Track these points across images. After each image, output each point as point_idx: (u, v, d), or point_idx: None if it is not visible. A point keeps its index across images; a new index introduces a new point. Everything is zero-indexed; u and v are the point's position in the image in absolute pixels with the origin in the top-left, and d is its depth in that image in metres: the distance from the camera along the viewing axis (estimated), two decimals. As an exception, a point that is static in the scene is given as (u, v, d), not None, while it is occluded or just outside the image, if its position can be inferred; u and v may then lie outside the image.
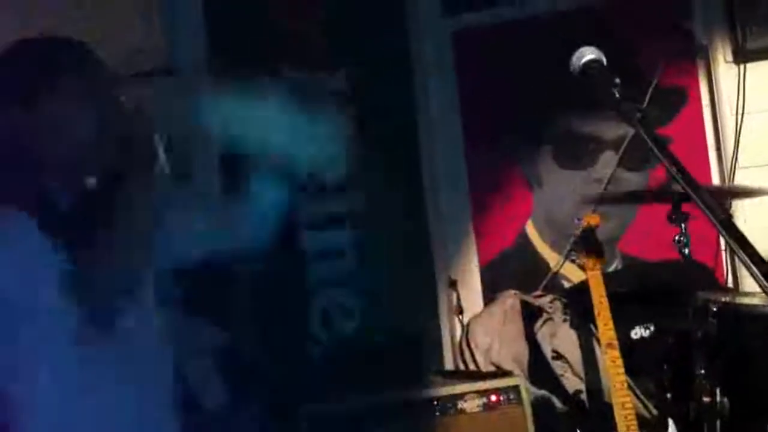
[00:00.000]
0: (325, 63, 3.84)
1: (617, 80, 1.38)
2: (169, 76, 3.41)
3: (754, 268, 1.16)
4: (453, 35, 4.02)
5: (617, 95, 1.38)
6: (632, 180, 3.84)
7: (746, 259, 1.14)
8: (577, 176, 3.91)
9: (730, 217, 1.20)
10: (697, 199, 1.21)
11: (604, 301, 2.92)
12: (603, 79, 1.41)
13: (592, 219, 3.07)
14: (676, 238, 2.92)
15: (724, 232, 1.22)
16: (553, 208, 3.95)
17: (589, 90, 1.46)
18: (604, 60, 1.44)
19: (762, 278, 1.14)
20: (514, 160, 3.97)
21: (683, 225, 2.94)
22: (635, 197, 3.61)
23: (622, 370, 2.89)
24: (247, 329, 3.35)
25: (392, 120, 3.90)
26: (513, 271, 3.98)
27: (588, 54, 1.45)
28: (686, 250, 2.88)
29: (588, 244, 3.00)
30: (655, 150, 1.32)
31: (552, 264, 3.93)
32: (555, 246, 3.95)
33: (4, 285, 1.59)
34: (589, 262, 2.98)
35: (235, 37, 3.67)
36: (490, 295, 3.93)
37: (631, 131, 3.57)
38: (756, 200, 3.43)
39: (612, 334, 2.87)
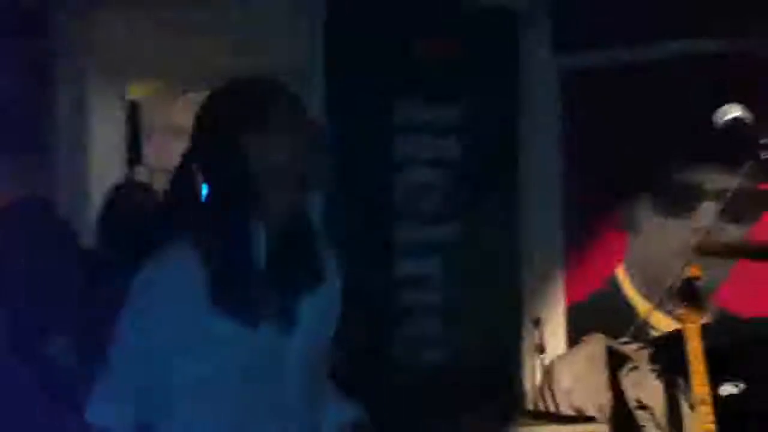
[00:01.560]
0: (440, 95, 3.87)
1: (765, 141, 1.36)
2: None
3: None
4: (561, 74, 4.02)
5: (762, 156, 1.36)
6: (732, 232, 3.76)
7: None
8: (674, 224, 3.85)
9: None
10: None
11: (700, 355, 2.87)
12: (747, 137, 1.40)
13: (694, 270, 3.01)
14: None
15: None
16: (647, 254, 3.90)
17: (726, 145, 1.44)
18: (749, 118, 1.42)
19: None
20: (612, 204, 3.93)
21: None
22: (738, 252, 3.53)
23: (712, 427, 2.83)
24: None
25: (495, 155, 3.91)
26: (599, 315, 3.93)
27: (733, 111, 1.44)
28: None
29: (689, 296, 2.95)
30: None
31: (641, 311, 3.87)
32: (645, 293, 3.89)
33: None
34: (688, 315, 2.93)
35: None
36: (573, 337, 3.89)
37: (733, 183, 3.51)
38: None
39: (706, 389, 2.83)
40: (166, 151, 6.30)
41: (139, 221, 2.76)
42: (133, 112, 4.63)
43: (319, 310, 1.69)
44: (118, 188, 3.10)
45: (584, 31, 3.93)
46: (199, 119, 1.73)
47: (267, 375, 1.65)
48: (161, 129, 6.11)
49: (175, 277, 1.62)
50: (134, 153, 4.85)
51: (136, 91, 4.58)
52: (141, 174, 5.54)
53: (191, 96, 5.99)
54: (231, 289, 1.60)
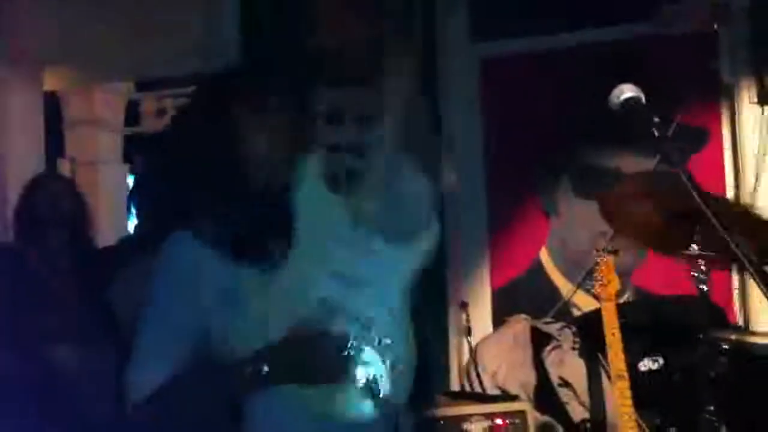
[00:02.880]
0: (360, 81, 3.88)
1: (657, 119, 1.41)
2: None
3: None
4: (481, 61, 4.08)
5: (656, 133, 1.41)
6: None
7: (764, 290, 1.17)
8: (594, 207, 3.94)
9: (764, 263, 1.22)
10: (733, 246, 1.24)
11: (617, 332, 2.94)
12: (642, 117, 1.44)
13: (610, 251, 3.09)
14: (695, 274, 2.94)
15: (750, 268, 1.26)
16: (568, 237, 3.98)
17: (624, 125, 1.49)
18: (644, 98, 1.47)
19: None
20: (534, 188, 4.00)
21: (702, 262, 2.96)
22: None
23: (630, 401, 2.91)
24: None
25: (416, 141, 3.92)
26: (524, 297, 4.00)
27: (628, 91, 1.48)
28: (704, 287, 2.89)
29: (605, 276, 3.03)
30: (695, 193, 1.34)
31: (564, 292, 3.96)
32: (568, 274, 3.97)
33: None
34: (604, 294, 3.01)
35: (270, 50, 3.71)
36: (500, 319, 3.96)
37: (651, 166, 3.61)
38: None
39: (622, 365, 2.90)
40: (88, 144, 6.23)
41: (58, 214, 2.72)
42: (53, 104, 4.55)
43: None
44: (36, 180, 3.04)
45: (501, 19, 4.00)
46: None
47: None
48: (82, 121, 6.04)
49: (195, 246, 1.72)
50: (55, 145, 4.76)
51: (54, 82, 4.50)
52: (62, 167, 5.47)
53: (111, 86, 5.95)
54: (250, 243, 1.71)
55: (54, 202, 2.75)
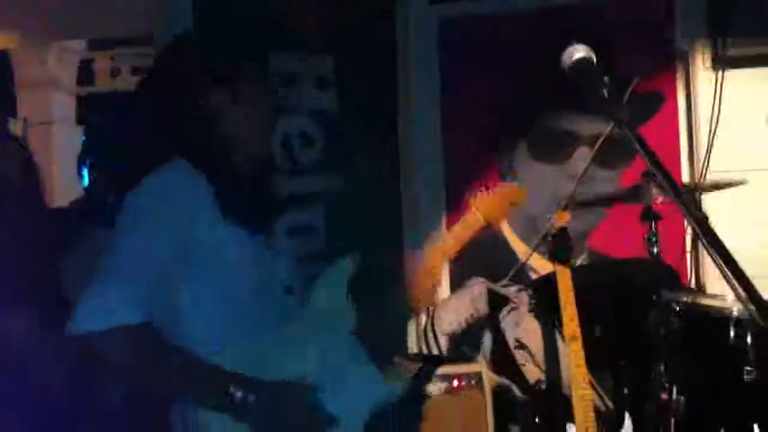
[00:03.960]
0: (314, 46, 3.84)
1: (606, 79, 1.41)
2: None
3: (724, 266, 1.21)
4: (439, 23, 4.06)
5: (606, 94, 1.41)
6: (605, 178, 3.90)
7: (719, 259, 1.19)
8: (551, 170, 3.97)
9: (706, 217, 1.24)
10: (677, 199, 1.25)
11: (571, 295, 2.96)
12: (592, 77, 1.44)
13: (563, 216, 3.11)
14: (646, 236, 2.98)
15: (698, 230, 1.27)
16: (525, 200, 4.00)
17: (576, 87, 1.49)
18: (595, 59, 1.47)
19: (733, 278, 1.18)
20: (491, 151, 4.01)
21: (653, 224, 3.00)
22: (608, 200, 3.67)
23: (583, 362, 2.93)
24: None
25: (374, 104, 3.92)
26: (482, 260, 4.02)
27: (579, 52, 1.48)
28: (655, 249, 2.93)
29: (558, 240, 3.05)
30: (641, 150, 1.35)
31: (521, 255, 3.98)
32: (525, 237, 4.00)
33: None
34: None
35: (223, 15, 3.65)
36: (458, 283, 3.98)
37: (607, 129, 3.64)
38: (726, 202, 3.50)
39: (576, 327, 2.92)
40: (41, 104, 6.12)
41: (8, 176, 2.67)
42: (4, 64, 4.44)
43: None
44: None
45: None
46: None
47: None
48: (35, 81, 5.92)
49: (184, 188, 1.67)
50: (6, 106, 4.67)
51: (5, 41, 4.39)
52: (14, 128, 5.36)
53: (64, 45, 5.83)
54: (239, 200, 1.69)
55: (3, 164, 2.69)
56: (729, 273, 1.20)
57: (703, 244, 1.27)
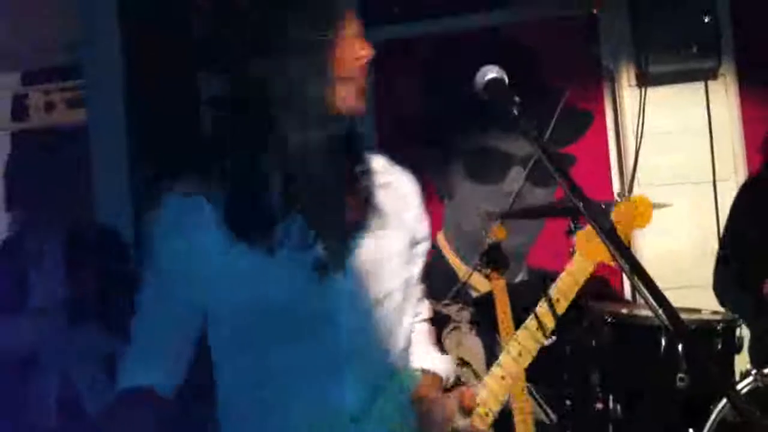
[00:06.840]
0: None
1: (517, 99, 1.45)
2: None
3: (629, 272, 1.25)
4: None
5: (516, 113, 1.46)
6: (539, 195, 3.98)
7: (624, 263, 1.24)
8: (486, 190, 4.04)
9: (613, 227, 1.28)
10: (582, 208, 1.30)
11: (508, 310, 3.02)
12: (503, 97, 1.48)
13: (498, 233, 3.16)
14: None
15: (606, 240, 1.32)
16: (463, 220, 4.06)
17: (491, 107, 1.53)
18: (506, 79, 1.51)
19: (641, 285, 1.23)
20: (426, 172, 4.06)
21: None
22: (537, 212, 3.74)
23: (522, 376, 2.98)
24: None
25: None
26: (425, 280, 4.05)
27: (490, 73, 1.52)
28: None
29: (493, 257, 3.10)
30: (546, 163, 1.40)
31: (461, 274, 4.03)
32: (464, 257, 4.05)
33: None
34: (494, 273, 3.08)
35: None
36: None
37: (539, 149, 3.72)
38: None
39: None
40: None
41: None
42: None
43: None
44: None
45: (395, 3, 4.06)
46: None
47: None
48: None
49: (193, 218, 1.50)
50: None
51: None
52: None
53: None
54: (249, 219, 1.49)
55: None
56: (638, 282, 1.25)
57: (612, 254, 1.32)
